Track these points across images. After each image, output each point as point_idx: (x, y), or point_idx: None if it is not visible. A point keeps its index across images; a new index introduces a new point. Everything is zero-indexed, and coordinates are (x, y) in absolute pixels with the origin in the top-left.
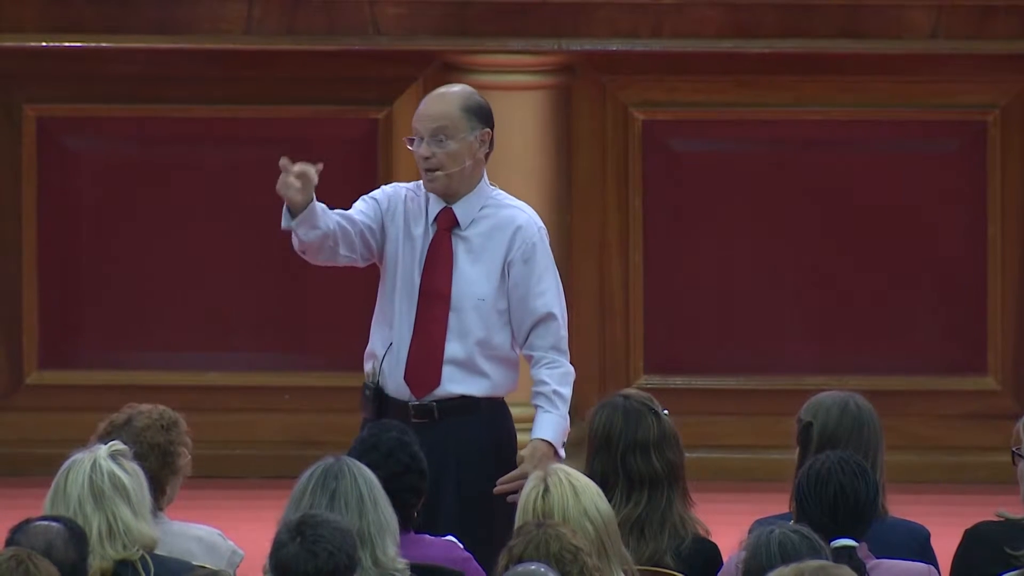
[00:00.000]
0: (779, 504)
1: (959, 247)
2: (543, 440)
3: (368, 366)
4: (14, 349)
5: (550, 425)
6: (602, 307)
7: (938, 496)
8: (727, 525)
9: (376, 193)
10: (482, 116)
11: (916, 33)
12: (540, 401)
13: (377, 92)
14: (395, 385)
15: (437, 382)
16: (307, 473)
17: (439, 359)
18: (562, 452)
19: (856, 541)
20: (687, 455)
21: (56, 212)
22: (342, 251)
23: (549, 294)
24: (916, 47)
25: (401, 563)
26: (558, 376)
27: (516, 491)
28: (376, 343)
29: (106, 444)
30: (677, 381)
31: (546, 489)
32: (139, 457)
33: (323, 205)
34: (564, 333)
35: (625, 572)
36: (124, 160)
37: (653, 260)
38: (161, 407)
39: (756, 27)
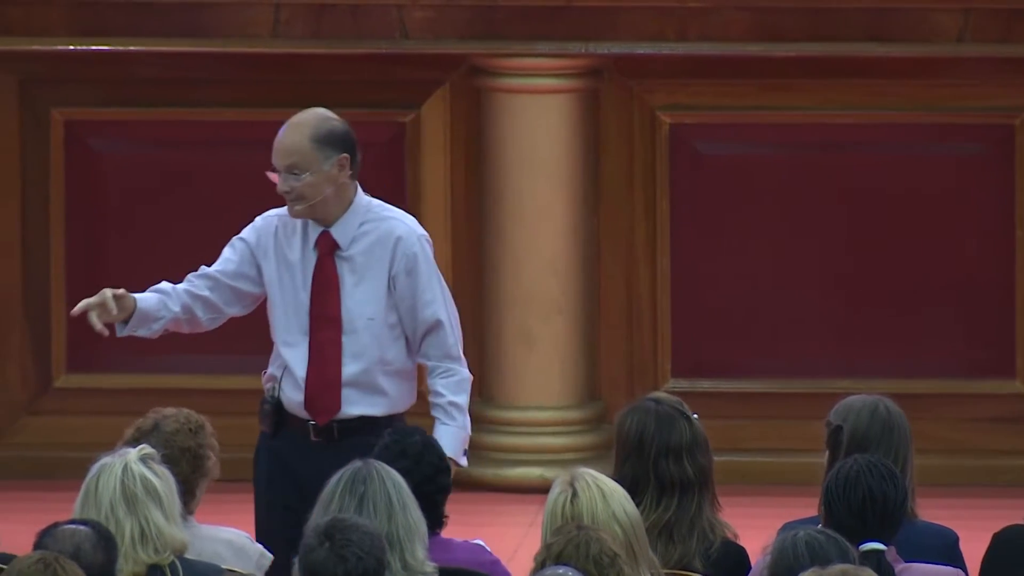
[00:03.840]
0: (807, 508)
1: (985, 250)
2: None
3: (268, 384)
4: (42, 353)
5: (448, 439)
6: (629, 311)
7: (967, 499)
8: (754, 529)
9: (245, 233)
10: (335, 142)
11: (943, 36)
12: (437, 413)
13: (404, 96)
14: (294, 406)
15: (337, 408)
16: (335, 477)
17: (337, 384)
18: (463, 461)
19: (885, 544)
20: (715, 459)
21: (83, 215)
22: (203, 318)
23: (436, 303)
24: (943, 50)
25: (430, 566)
26: (453, 385)
27: None
28: (273, 366)
29: (135, 447)
30: (704, 384)
31: (574, 493)
32: (170, 462)
33: (163, 291)
34: (454, 340)
35: None
36: (151, 163)
37: (680, 263)
38: (186, 410)
39: (782, 31)
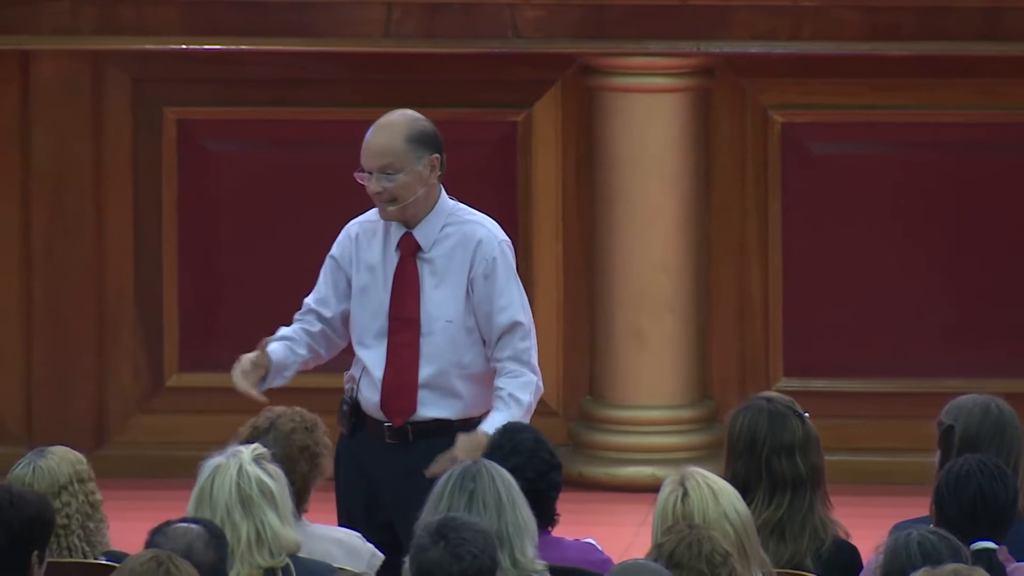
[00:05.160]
0: (919, 507)
1: None
2: (483, 432)
3: (347, 384)
4: (155, 352)
5: (494, 420)
6: (741, 310)
7: None
8: (866, 528)
9: (333, 249)
10: (427, 142)
11: None
12: (496, 404)
13: (516, 95)
14: (371, 407)
15: (413, 409)
16: (445, 475)
17: (413, 386)
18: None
19: (996, 543)
20: (826, 458)
21: (196, 215)
22: (324, 351)
23: (512, 307)
24: None
25: (539, 565)
26: (517, 383)
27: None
28: (355, 367)
29: (247, 447)
30: (817, 384)
31: (685, 493)
32: (288, 460)
33: (288, 338)
34: (526, 345)
35: (764, 575)
36: (263, 162)
37: (791, 263)
38: (298, 408)
39: (895, 30)
